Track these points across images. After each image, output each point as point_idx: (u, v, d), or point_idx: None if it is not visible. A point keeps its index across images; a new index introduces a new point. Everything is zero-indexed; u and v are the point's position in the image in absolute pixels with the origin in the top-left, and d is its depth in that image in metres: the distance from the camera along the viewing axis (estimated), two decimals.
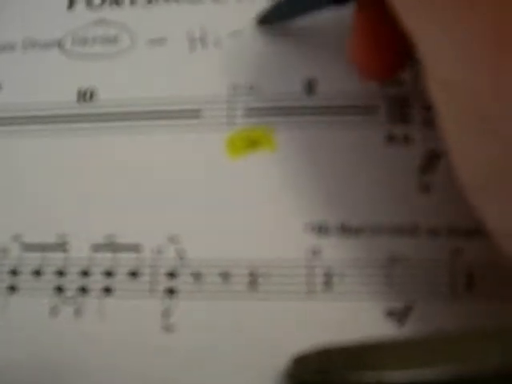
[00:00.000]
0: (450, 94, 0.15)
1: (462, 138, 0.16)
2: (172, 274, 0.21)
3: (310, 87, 0.23)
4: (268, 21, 0.23)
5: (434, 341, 0.18)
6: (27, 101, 0.24)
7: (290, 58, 0.23)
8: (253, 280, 0.21)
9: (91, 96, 0.24)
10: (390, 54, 0.19)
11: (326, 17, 0.23)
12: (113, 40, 0.24)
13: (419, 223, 0.21)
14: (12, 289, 0.22)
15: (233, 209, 0.22)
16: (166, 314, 0.21)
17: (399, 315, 0.20)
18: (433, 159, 0.21)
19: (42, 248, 0.22)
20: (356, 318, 0.20)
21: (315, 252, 0.21)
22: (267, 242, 0.21)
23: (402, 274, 0.20)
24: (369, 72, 0.20)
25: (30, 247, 0.22)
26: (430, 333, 0.20)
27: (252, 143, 0.22)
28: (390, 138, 0.22)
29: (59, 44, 0.25)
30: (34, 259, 0.22)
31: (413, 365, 0.17)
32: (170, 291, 0.21)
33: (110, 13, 0.25)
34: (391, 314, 0.20)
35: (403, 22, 0.16)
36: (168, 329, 0.21)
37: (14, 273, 0.22)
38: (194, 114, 0.23)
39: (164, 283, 0.21)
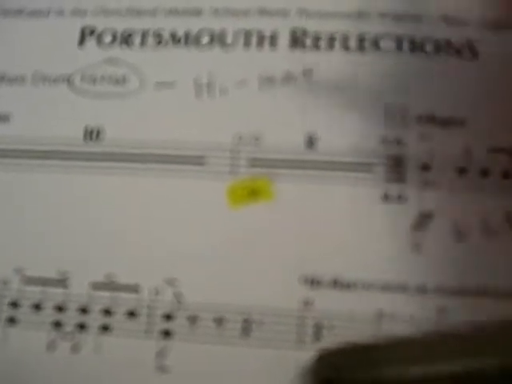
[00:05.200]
0: None
1: None
2: (168, 316, 0.23)
3: (311, 141, 0.25)
4: None
5: (456, 337, 0.21)
6: (34, 135, 0.26)
7: (294, 112, 0.25)
8: (246, 326, 0.23)
9: (98, 134, 0.26)
10: None
11: (331, 75, 0.25)
12: (122, 80, 0.26)
13: (408, 281, 0.23)
14: (11, 321, 0.24)
15: (230, 255, 0.24)
16: (161, 354, 0.23)
17: None
18: (425, 219, 0.24)
19: (43, 282, 0.24)
20: None
21: (307, 303, 0.23)
22: (262, 289, 0.23)
23: (389, 329, 0.23)
24: None
25: (31, 281, 0.24)
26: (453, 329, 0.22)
27: (253, 193, 0.24)
28: (385, 197, 0.24)
29: (68, 80, 0.27)
30: (34, 293, 0.24)
31: (435, 359, 0.20)
32: (166, 333, 0.23)
33: (119, 52, 0.27)
34: None
35: None
36: (162, 369, 0.23)
37: (14, 305, 0.24)
38: (198, 160, 0.25)
39: (160, 324, 0.23)
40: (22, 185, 0.25)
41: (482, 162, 0.24)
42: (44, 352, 0.23)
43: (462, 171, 0.24)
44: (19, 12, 0.28)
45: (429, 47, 0.26)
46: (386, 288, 0.23)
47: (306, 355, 0.22)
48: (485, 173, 0.24)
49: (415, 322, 0.22)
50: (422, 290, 0.23)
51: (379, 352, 0.21)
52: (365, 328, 0.23)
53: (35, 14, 0.28)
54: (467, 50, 0.26)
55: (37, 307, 0.24)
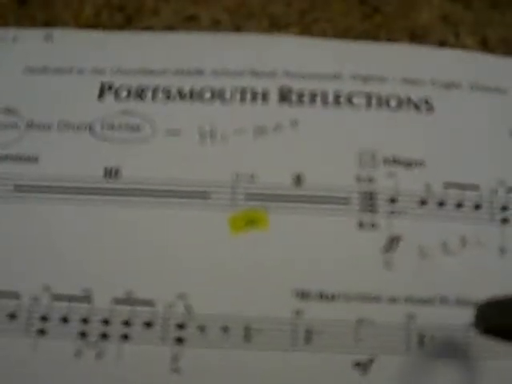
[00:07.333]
0: None
1: None
2: (181, 326, 0.28)
3: (298, 179, 0.31)
4: None
5: None
6: (60, 173, 0.31)
7: (283, 156, 0.31)
8: (247, 333, 0.28)
9: (116, 173, 0.31)
10: None
11: (314, 125, 0.31)
12: (136, 128, 0.32)
13: (381, 293, 0.28)
14: (41, 332, 0.28)
15: (232, 274, 0.29)
16: (175, 359, 0.27)
17: (363, 366, 0.27)
18: (394, 242, 0.29)
19: (69, 299, 0.28)
20: (329, 367, 0.27)
21: (298, 313, 0.28)
22: (260, 302, 0.28)
23: (367, 333, 0.28)
24: None
25: (58, 297, 0.28)
26: None
27: (250, 222, 0.30)
28: (360, 224, 0.30)
29: (90, 127, 0.32)
30: (61, 308, 0.28)
31: None
32: (179, 340, 0.28)
33: (134, 105, 0.33)
34: (357, 364, 0.27)
35: None
36: (176, 371, 0.27)
37: (43, 318, 0.28)
38: (203, 195, 0.30)
39: (174, 333, 0.28)
40: (52, 215, 0.30)
41: (439, 195, 0.30)
42: (71, 359, 0.27)
43: (423, 202, 0.30)
44: (44, 69, 0.34)
45: (393, 103, 0.33)
46: (363, 299, 0.28)
47: (299, 356, 0.27)
48: (441, 204, 0.30)
49: (388, 327, 0.28)
50: (392, 299, 0.28)
51: None
52: (348, 332, 0.28)
53: (58, 71, 0.34)
54: (424, 106, 0.33)
55: (64, 320, 0.28)
